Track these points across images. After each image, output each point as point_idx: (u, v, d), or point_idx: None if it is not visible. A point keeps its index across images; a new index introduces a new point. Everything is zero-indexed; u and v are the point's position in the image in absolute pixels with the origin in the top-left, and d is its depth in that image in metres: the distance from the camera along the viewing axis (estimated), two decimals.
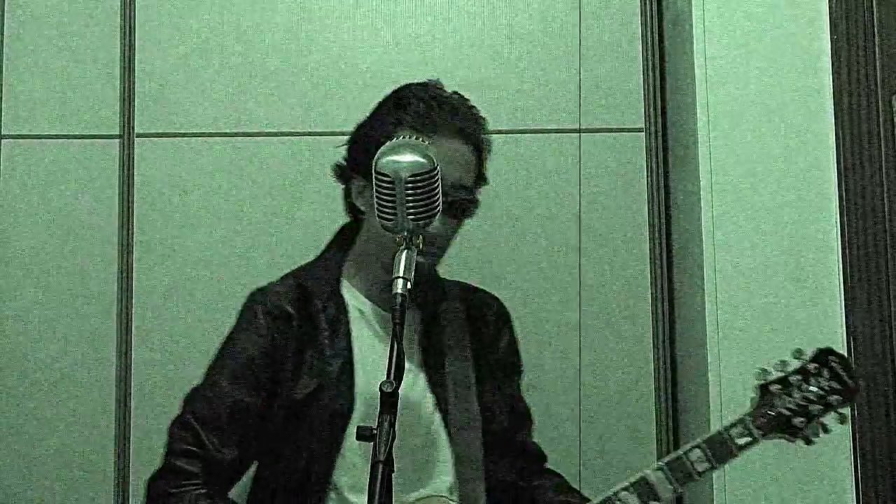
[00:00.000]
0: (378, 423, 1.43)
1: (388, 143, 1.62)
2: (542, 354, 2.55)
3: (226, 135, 2.60)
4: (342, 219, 2.58)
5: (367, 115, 1.97)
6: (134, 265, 2.54)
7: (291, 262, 2.57)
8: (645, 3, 2.65)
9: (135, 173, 2.56)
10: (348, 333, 1.90)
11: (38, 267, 2.53)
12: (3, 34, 2.58)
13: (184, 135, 2.58)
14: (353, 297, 1.94)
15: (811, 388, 1.83)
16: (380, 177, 1.57)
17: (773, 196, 2.38)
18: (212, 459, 1.83)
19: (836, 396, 1.84)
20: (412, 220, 1.56)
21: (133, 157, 2.56)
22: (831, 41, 2.41)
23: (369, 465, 1.81)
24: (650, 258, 2.60)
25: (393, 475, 1.81)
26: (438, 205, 1.60)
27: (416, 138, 1.66)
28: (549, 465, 2.12)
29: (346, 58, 2.62)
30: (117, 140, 2.57)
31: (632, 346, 2.57)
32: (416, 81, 1.98)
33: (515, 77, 2.63)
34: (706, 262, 2.37)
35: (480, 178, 1.95)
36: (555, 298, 2.57)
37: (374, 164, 1.59)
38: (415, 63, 2.62)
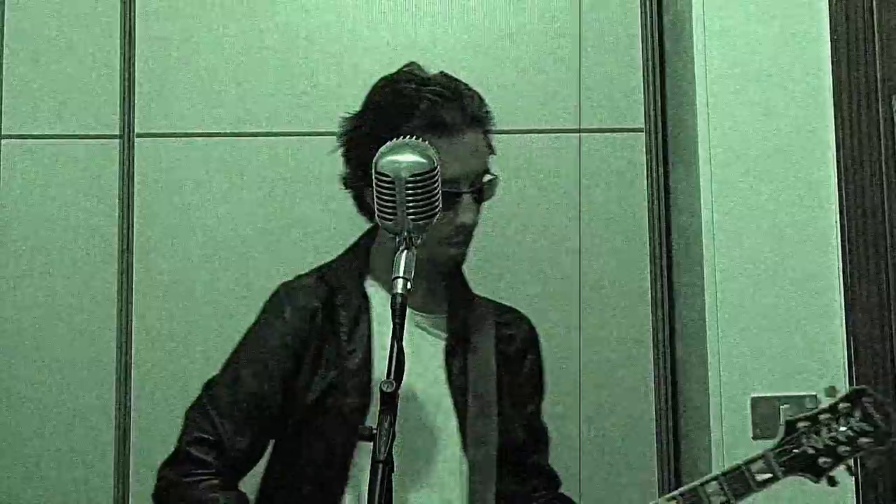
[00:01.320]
0: (378, 422, 1.43)
1: (387, 144, 1.62)
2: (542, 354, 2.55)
3: (226, 135, 2.60)
4: (341, 219, 2.58)
5: (361, 121, 1.94)
6: (134, 265, 2.54)
7: (291, 262, 2.57)
8: (645, 3, 2.65)
9: (135, 173, 2.56)
10: (369, 328, 1.89)
11: (38, 267, 2.53)
12: (3, 34, 2.58)
13: (184, 135, 2.58)
14: (377, 293, 1.93)
15: (841, 428, 1.74)
16: (380, 177, 1.57)
17: (773, 196, 2.38)
18: (226, 448, 1.82)
19: (866, 439, 1.74)
20: (412, 220, 1.56)
21: (133, 157, 2.56)
22: (831, 41, 2.41)
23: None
24: (650, 258, 2.60)
25: (396, 472, 1.83)
26: (438, 205, 1.59)
27: (419, 139, 1.65)
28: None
29: (346, 58, 2.62)
30: (117, 140, 2.57)
31: (632, 346, 2.57)
32: (398, 74, 1.95)
33: (515, 77, 2.63)
34: (706, 262, 2.37)
35: (491, 152, 1.92)
36: (555, 298, 2.57)
37: (373, 163, 1.59)
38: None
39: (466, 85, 1.91)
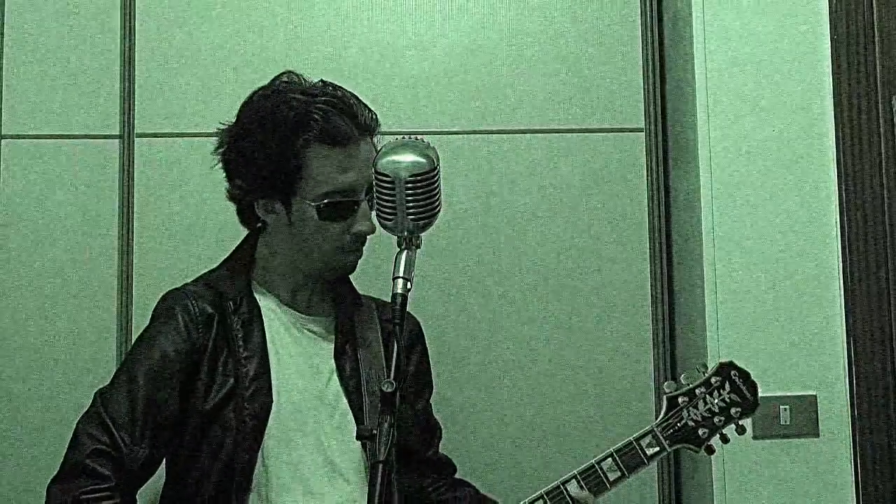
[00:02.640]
0: (378, 423, 1.43)
1: (387, 143, 1.61)
2: (541, 354, 2.55)
3: None
4: None
5: (245, 134, 1.92)
6: (134, 265, 2.54)
7: None
8: (645, 3, 2.65)
9: (135, 173, 2.56)
10: (262, 334, 1.90)
11: (38, 267, 2.53)
12: (3, 34, 2.58)
13: (184, 135, 2.58)
14: (265, 300, 1.94)
15: (715, 400, 1.91)
16: (380, 177, 1.56)
17: (773, 196, 2.38)
18: (124, 460, 1.78)
19: (736, 409, 1.92)
20: (412, 220, 1.56)
21: (133, 157, 2.56)
22: (831, 41, 2.41)
23: (288, 465, 1.83)
24: (650, 258, 2.60)
25: (298, 474, 1.82)
26: (438, 205, 1.59)
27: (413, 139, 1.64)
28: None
29: (346, 58, 2.62)
30: (117, 140, 2.57)
31: (632, 346, 2.57)
32: (278, 84, 1.98)
33: (515, 77, 2.63)
34: (706, 262, 2.37)
35: None
36: (555, 298, 2.57)
37: (373, 163, 1.58)
38: (415, 63, 2.62)
39: (351, 93, 1.93)
